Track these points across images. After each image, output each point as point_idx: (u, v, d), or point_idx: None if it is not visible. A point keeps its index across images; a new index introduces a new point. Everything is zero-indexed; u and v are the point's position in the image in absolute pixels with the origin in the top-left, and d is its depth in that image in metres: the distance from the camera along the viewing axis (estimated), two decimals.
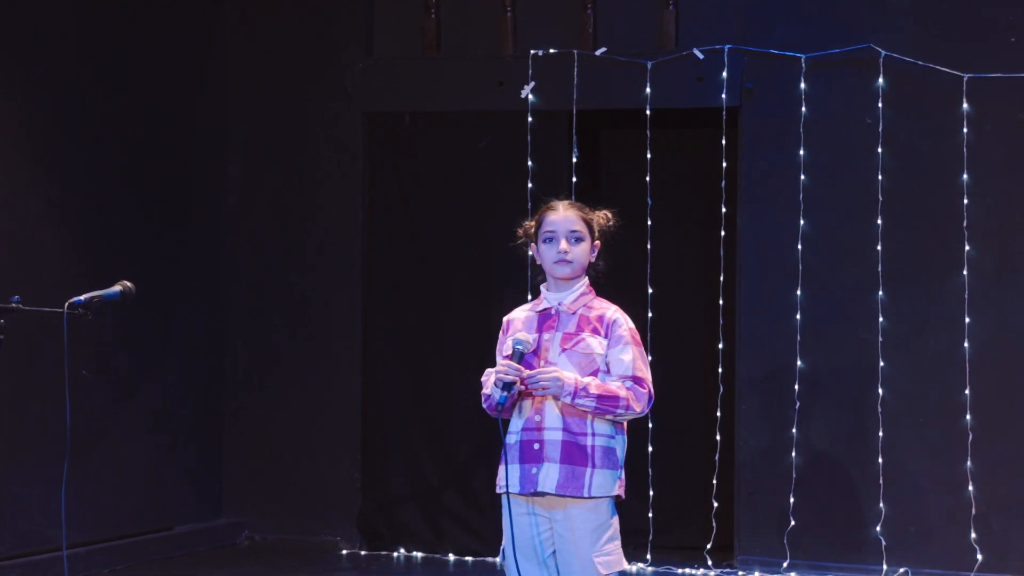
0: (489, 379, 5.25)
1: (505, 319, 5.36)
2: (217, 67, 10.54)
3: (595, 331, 5.19)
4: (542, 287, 5.36)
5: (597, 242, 5.33)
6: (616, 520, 5.23)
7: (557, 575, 5.20)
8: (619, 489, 5.20)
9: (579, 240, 5.26)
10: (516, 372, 5.08)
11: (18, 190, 8.86)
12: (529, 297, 9.78)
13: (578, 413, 5.12)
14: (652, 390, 5.20)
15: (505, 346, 5.28)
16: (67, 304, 5.39)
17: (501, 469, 5.21)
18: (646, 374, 5.19)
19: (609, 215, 5.41)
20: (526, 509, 5.20)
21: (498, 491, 5.26)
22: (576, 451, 5.11)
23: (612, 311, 5.25)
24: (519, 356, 5.12)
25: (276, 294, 10.56)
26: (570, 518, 5.14)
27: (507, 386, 5.08)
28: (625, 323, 5.22)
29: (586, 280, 5.33)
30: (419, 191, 10.28)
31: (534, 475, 5.13)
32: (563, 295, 5.28)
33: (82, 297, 5.43)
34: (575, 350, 5.16)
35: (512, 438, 5.20)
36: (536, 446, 5.14)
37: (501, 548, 5.31)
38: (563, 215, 5.29)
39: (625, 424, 5.25)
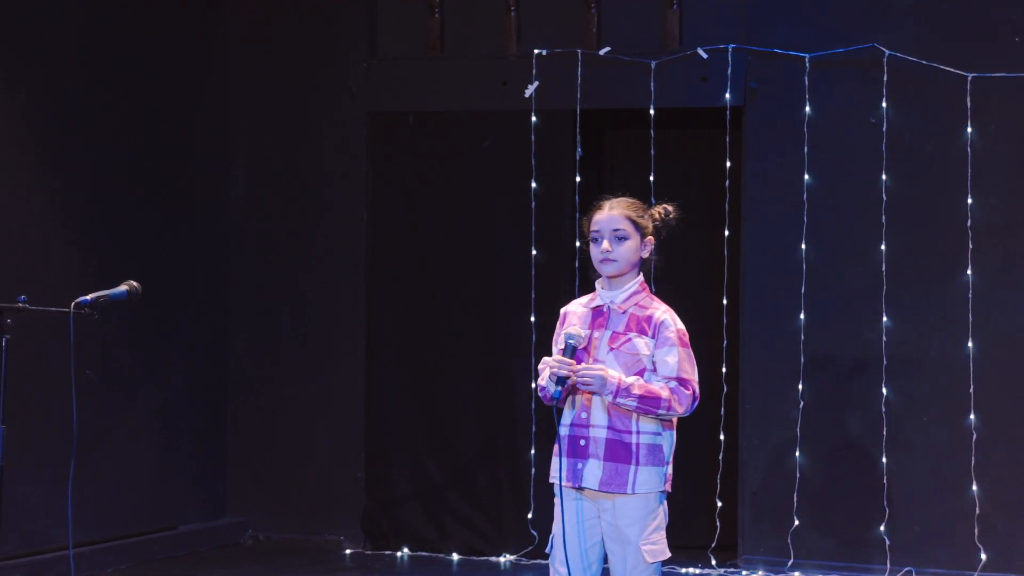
0: (544, 370, 5.29)
1: (562, 311, 5.45)
2: (221, 67, 10.54)
3: (643, 331, 5.26)
4: (597, 283, 5.42)
5: (649, 239, 5.38)
6: (665, 512, 5.34)
7: (597, 563, 5.31)
8: (666, 484, 5.29)
9: (623, 239, 5.30)
10: (568, 367, 5.13)
11: (23, 190, 8.86)
12: (533, 296, 9.81)
13: (624, 411, 5.16)
14: (697, 391, 5.27)
15: (559, 339, 5.32)
16: (73, 304, 5.40)
17: (554, 460, 5.30)
18: (691, 375, 5.26)
19: (669, 209, 5.47)
20: (574, 495, 5.30)
21: (551, 480, 5.34)
22: (620, 449, 5.19)
23: (661, 312, 5.32)
24: (571, 350, 5.20)
25: (280, 294, 10.57)
26: (618, 507, 5.23)
27: (560, 380, 5.14)
28: (673, 325, 5.29)
29: (639, 279, 5.40)
30: (423, 191, 10.29)
31: (579, 470, 5.23)
32: (615, 293, 5.35)
33: (88, 297, 5.44)
34: (622, 350, 5.23)
35: (562, 431, 5.29)
36: (582, 442, 5.23)
37: (550, 537, 5.37)
38: (607, 215, 5.35)
39: (674, 420, 5.32)
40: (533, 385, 5.49)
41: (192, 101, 10.30)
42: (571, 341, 5.19)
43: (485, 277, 10.13)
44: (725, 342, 9.66)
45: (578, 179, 9.73)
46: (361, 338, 10.38)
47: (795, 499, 9.45)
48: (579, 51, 9.82)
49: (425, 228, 10.28)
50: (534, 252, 9.87)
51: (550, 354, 5.35)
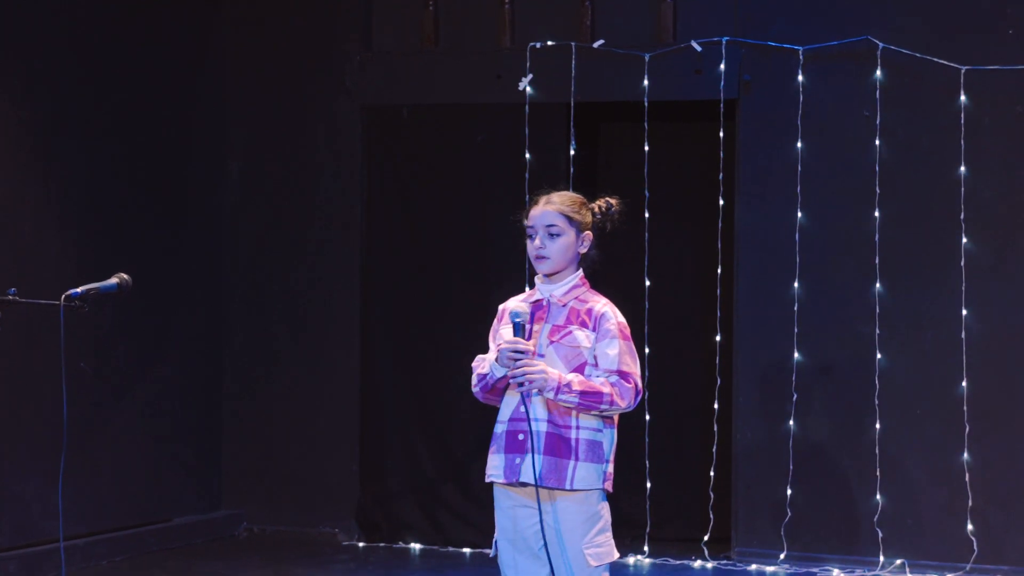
0: (481, 364, 5.24)
1: (500, 307, 5.34)
2: (216, 61, 10.55)
3: (583, 324, 5.15)
4: (536, 278, 5.33)
5: (587, 233, 5.24)
6: (607, 512, 5.20)
7: (550, 566, 5.18)
8: (605, 483, 5.17)
9: (556, 235, 5.18)
10: (523, 346, 5.03)
11: (16, 184, 8.87)
12: (527, 288, 9.81)
13: (564, 408, 5.12)
14: (639, 384, 5.14)
15: (498, 334, 5.26)
16: (63, 296, 5.40)
17: (491, 458, 5.21)
18: (633, 368, 5.14)
19: (611, 202, 5.32)
20: (518, 502, 5.18)
21: (487, 479, 5.26)
22: (560, 443, 5.09)
23: (601, 304, 5.20)
24: (520, 328, 5.08)
25: (275, 287, 10.57)
26: (558, 510, 5.11)
27: (514, 361, 5.04)
28: (614, 317, 5.17)
29: (579, 273, 5.27)
30: (417, 184, 10.29)
31: (517, 465, 5.11)
32: (554, 287, 5.24)
33: (79, 289, 5.43)
34: (562, 343, 5.13)
35: (499, 428, 5.20)
36: (520, 436, 5.12)
37: (494, 540, 5.31)
38: (541, 210, 5.24)
39: (616, 418, 5.22)
40: (475, 385, 5.37)
41: (186, 95, 10.30)
42: (517, 319, 5.06)
43: (479, 270, 10.14)
44: (719, 335, 9.66)
45: (572, 172, 9.74)
46: (356, 332, 10.39)
47: (788, 492, 9.46)
48: (573, 44, 9.83)
49: (419, 221, 10.28)
50: (528, 245, 9.85)
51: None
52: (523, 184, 9.82)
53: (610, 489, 5.20)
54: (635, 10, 9.87)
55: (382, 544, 10.19)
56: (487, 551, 9.79)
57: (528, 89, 9.88)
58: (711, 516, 9.70)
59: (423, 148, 10.28)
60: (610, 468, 5.19)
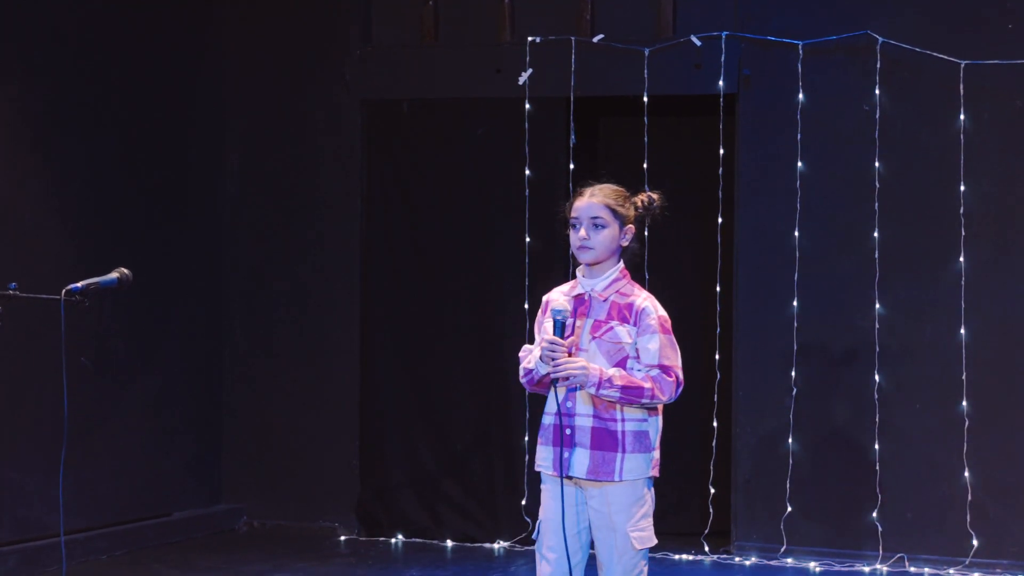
0: (528, 357, 5.29)
1: (544, 298, 5.41)
2: (216, 55, 10.54)
3: (624, 319, 5.22)
4: (578, 271, 5.38)
5: (629, 226, 5.30)
6: (652, 498, 5.33)
7: (583, 550, 5.29)
8: (653, 470, 5.29)
9: (601, 227, 5.25)
10: (560, 348, 5.10)
11: (16, 177, 8.87)
12: (527, 284, 9.82)
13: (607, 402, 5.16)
14: (680, 376, 5.23)
15: (544, 324, 5.30)
16: (64, 291, 5.40)
17: (540, 449, 5.30)
18: (674, 362, 5.23)
19: (653, 197, 5.40)
20: (563, 482, 5.26)
21: (536, 469, 5.34)
22: (606, 437, 5.18)
23: (642, 299, 5.27)
24: (559, 326, 5.14)
25: (275, 281, 10.58)
26: (606, 494, 5.22)
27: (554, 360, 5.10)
28: (655, 311, 5.24)
29: (620, 266, 5.34)
30: (417, 178, 10.29)
31: (566, 459, 5.21)
32: (595, 281, 5.30)
33: (79, 284, 5.44)
34: (604, 339, 5.20)
35: (546, 420, 5.27)
36: (568, 431, 5.21)
37: (537, 523, 5.36)
38: (586, 202, 5.30)
39: (660, 406, 5.30)
40: (522, 377, 5.42)
41: (186, 88, 10.30)
42: (558, 317, 5.13)
43: (479, 264, 10.14)
44: (718, 329, 9.67)
45: (572, 166, 9.74)
46: (356, 326, 10.39)
47: (788, 486, 9.47)
48: (573, 38, 9.83)
49: (419, 215, 10.28)
50: (528, 239, 9.88)
51: (534, 343, 5.35)
52: (523, 177, 9.82)
53: (657, 474, 5.32)
54: (635, 4, 9.87)
55: (382, 538, 10.20)
56: (487, 545, 9.85)
57: (528, 83, 9.87)
58: (711, 510, 9.71)
59: (423, 142, 10.28)
60: (656, 455, 5.32)
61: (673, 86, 9.75)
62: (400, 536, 10.18)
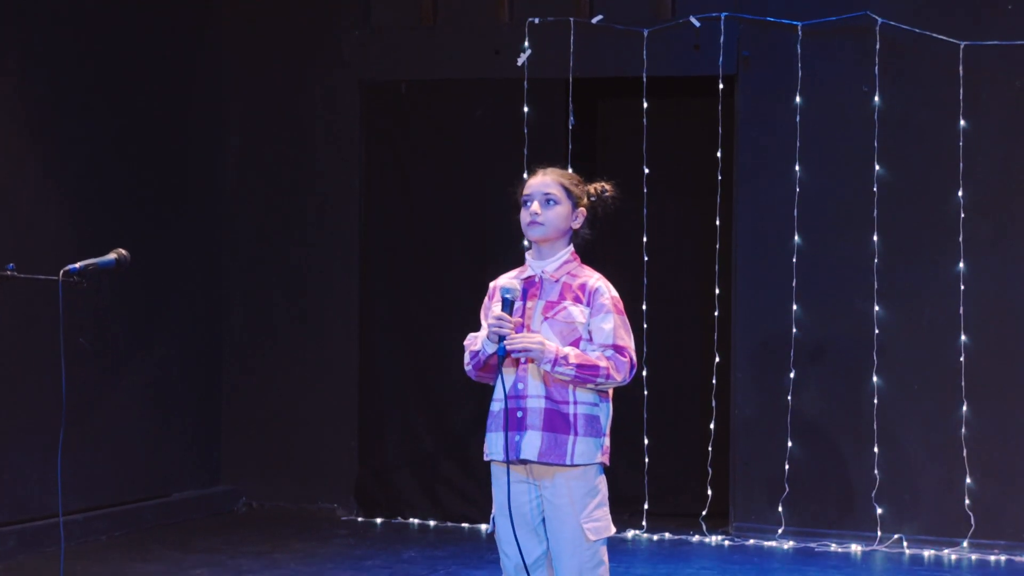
0: (474, 342, 5.26)
1: (491, 285, 5.34)
2: (214, 38, 10.54)
3: (577, 299, 5.16)
4: (527, 254, 5.33)
5: (581, 209, 5.25)
6: (604, 486, 5.22)
7: (547, 543, 5.20)
8: (603, 456, 5.18)
9: (553, 203, 5.20)
10: (508, 323, 5.05)
11: (15, 159, 8.86)
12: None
13: (561, 381, 5.12)
14: (634, 358, 5.15)
15: (493, 301, 5.27)
16: (62, 272, 5.40)
17: (489, 437, 5.22)
18: (628, 343, 5.15)
19: (606, 187, 5.34)
20: (516, 477, 5.19)
21: (485, 459, 5.27)
22: (558, 419, 5.10)
23: (595, 279, 5.21)
24: (508, 304, 5.09)
25: (274, 263, 10.58)
26: (557, 485, 5.13)
27: (502, 338, 5.06)
28: (607, 291, 5.18)
29: (570, 248, 5.28)
30: (415, 159, 10.29)
31: (517, 443, 5.13)
32: (545, 263, 5.24)
33: (77, 265, 5.43)
34: (557, 319, 5.14)
35: (496, 406, 5.20)
36: (519, 414, 5.13)
37: (491, 516, 5.31)
38: (540, 179, 5.27)
39: (610, 392, 5.23)
40: (467, 363, 5.38)
41: (185, 71, 10.30)
42: (507, 295, 5.08)
43: (477, 245, 10.14)
44: (717, 311, 9.67)
45: (570, 147, 9.73)
46: (354, 308, 10.40)
47: (786, 467, 9.48)
48: (571, 19, 9.82)
49: (418, 196, 10.29)
50: (522, 213, 9.85)
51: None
52: (521, 159, 9.82)
53: (607, 462, 5.21)
54: None
55: (381, 519, 10.22)
56: (485, 526, 9.85)
57: (526, 65, 9.87)
58: (709, 492, 9.73)
59: (421, 124, 10.28)
60: (607, 442, 5.21)
61: (672, 67, 9.74)
62: (399, 517, 10.20)
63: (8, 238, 8.69)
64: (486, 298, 5.31)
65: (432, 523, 10.08)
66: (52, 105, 9.13)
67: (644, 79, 9.67)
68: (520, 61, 9.88)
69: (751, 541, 9.46)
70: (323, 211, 10.48)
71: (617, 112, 10.53)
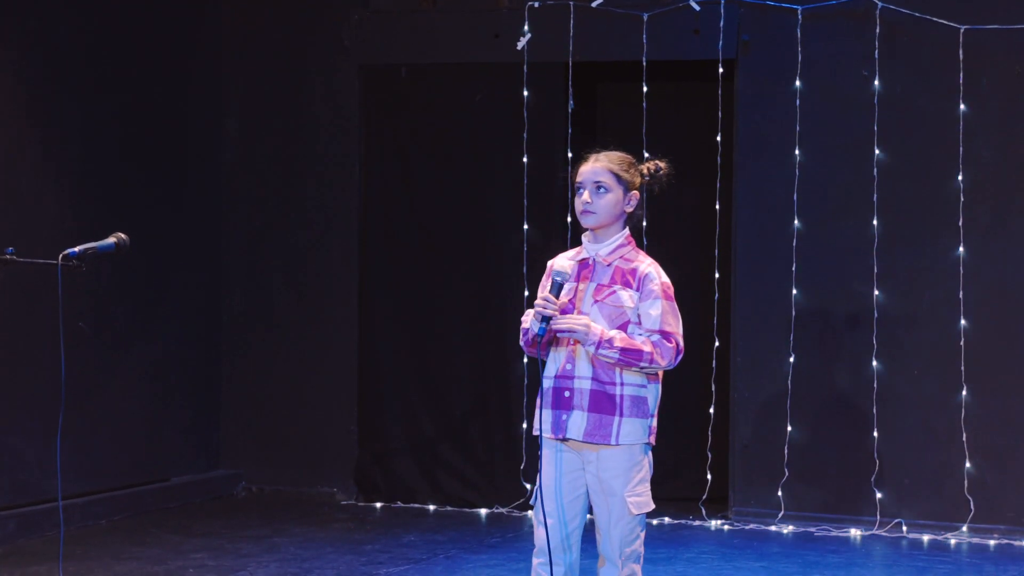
0: (527, 322, 5.30)
1: (549, 263, 5.40)
2: (213, 20, 10.52)
3: (627, 284, 5.24)
4: (583, 236, 5.38)
5: (634, 193, 5.30)
6: (649, 463, 5.33)
7: (580, 516, 5.30)
8: (649, 437, 5.30)
9: (604, 191, 5.25)
10: (553, 305, 5.13)
11: (13, 142, 8.85)
12: (526, 250, 9.82)
13: (606, 363, 5.17)
14: (681, 343, 5.24)
15: (547, 280, 5.32)
16: (61, 256, 5.40)
17: (537, 412, 5.29)
18: (675, 328, 5.23)
19: (660, 165, 5.39)
20: (558, 447, 5.29)
21: (535, 433, 5.34)
22: (605, 400, 5.19)
23: (646, 265, 5.28)
24: (557, 288, 5.18)
25: (273, 247, 10.57)
26: (603, 459, 5.23)
27: (545, 319, 5.12)
28: (658, 277, 5.25)
29: (625, 232, 5.34)
30: (415, 143, 10.28)
31: (564, 422, 5.22)
32: (599, 246, 5.31)
33: (76, 249, 5.44)
34: (606, 302, 5.21)
35: (546, 383, 5.27)
36: (567, 393, 5.22)
37: (534, 488, 5.36)
38: (591, 167, 5.31)
39: (660, 373, 5.31)
40: (521, 338, 5.43)
41: (184, 54, 10.28)
42: (558, 278, 5.16)
43: (477, 230, 10.14)
44: (716, 295, 9.67)
45: (570, 132, 9.72)
46: (354, 291, 10.39)
47: (786, 452, 9.48)
48: (571, 3, 9.80)
49: (418, 181, 10.28)
50: (526, 204, 9.87)
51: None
52: (521, 143, 9.81)
53: (653, 442, 5.32)
54: None
55: (380, 503, 10.22)
56: (485, 510, 9.86)
57: (526, 49, 9.85)
58: (709, 476, 9.73)
59: (421, 108, 10.27)
60: (654, 422, 5.32)
61: (672, 51, 9.73)
62: (398, 501, 10.20)
63: (7, 222, 8.68)
64: (544, 276, 5.36)
65: (432, 507, 10.09)
66: (51, 89, 9.12)
67: (644, 63, 9.66)
68: (520, 45, 9.87)
69: (751, 525, 9.47)
70: (323, 195, 10.47)
71: (617, 96, 10.52)
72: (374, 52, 10.31)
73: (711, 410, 9.65)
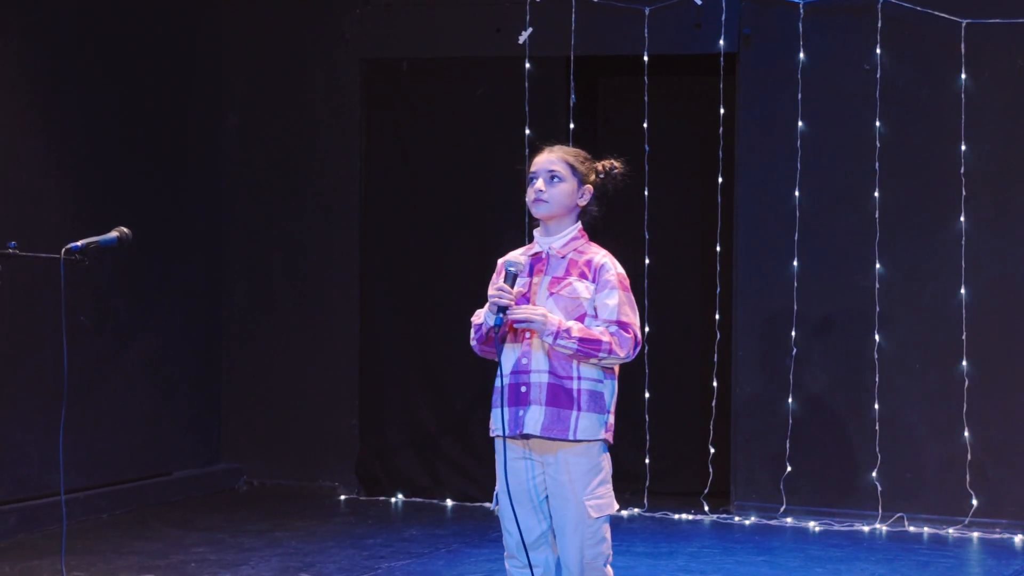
0: (478, 317, 5.26)
1: (499, 262, 5.34)
2: (214, 13, 10.51)
3: (583, 275, 5.17)
4: (535, 232, 5.34)
5: (588, 187, 5.26)
6: (608, 464, 5.22)
7: (549, 520, 5.21)
8: (606, 434, 5.19)
9: (558, 180, 5.21)
10: (508, 295, 5.08)
11: (15, 136, 8.85)
12: (526, 242, 9.80)
13: (565, 356, 5.13)
14: (639, 335, 5.16)
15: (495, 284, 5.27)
16: (63, 250, 5.40)
17: (494, 412, 5.22)
18: (632, 319, 5.16)
19: (615, 164, 5.35)
20: (520, 454, 5.20)
21: (491, 434, 5.27)
22: (562, 394, 5.12)
23: (600, 256, 5.22)
24: (511, 277, 5.12)
25: (274, 241, 10.57)
26: (560, 462, 5.14)
27: (501, 309, 5.08)
28: (613, 268, 5.19)
29: (578, 225, 5.29)
30: (417, 138, 10.28)
31: (520, 417, 5.14)
32: (553, 239, 5.26)
33: (79, 243, 5.43)
34: (562, 294, 5.15)
35: (500, 381, 5.19)
36: (523, 388, 5.15)
37: (494, 493, 5.32)
38: (545, 157, 5.28)
39: (616, 369, 5.24)
40: (472, 336, 5.38)
41: (185, 47, 10.27)
42: (511, 268, 5.11)
43: (479, 223, 10.14)
44: (719, 289, 9.67)
45: (572, 126, 9.72)
46: (355, 285, 10.39)
47: (787, 446, 9.48)
48: None
49: (419, 174, 10.27)
50: (528, 190, 9.85)
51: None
52: (522, 138, 9.81)
53: (611, 440, 5.22)
54: None
55: (382, 497, 10.22)
56: (487, 504, 9.85)
57: (528, 43, 9.85)
58: (710, 470, 9.73)
59: (422, 102, 10.26)
60: (611, 419, 5.22)
61: (673, 45, 9.72)
62: (400, 495, 10.20)
63: (9, 215, 8.68)
64: (494, 275, 5.30)
65: (433, 501, 10.09)
66: (52, 83, 9.11)
67: (645, 57, 9.65)
68: (521, 39, 9.86)
69: (752, 519, 9.47)
70: (324, 189, 10.46)
71: (618, 90, 10.52)
72: (375, 46, 10.30)
73: (712, 404, 9.65)
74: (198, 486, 10.29)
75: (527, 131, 9.82)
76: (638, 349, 5.16)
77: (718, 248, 9.68)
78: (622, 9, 9.72)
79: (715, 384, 9.66)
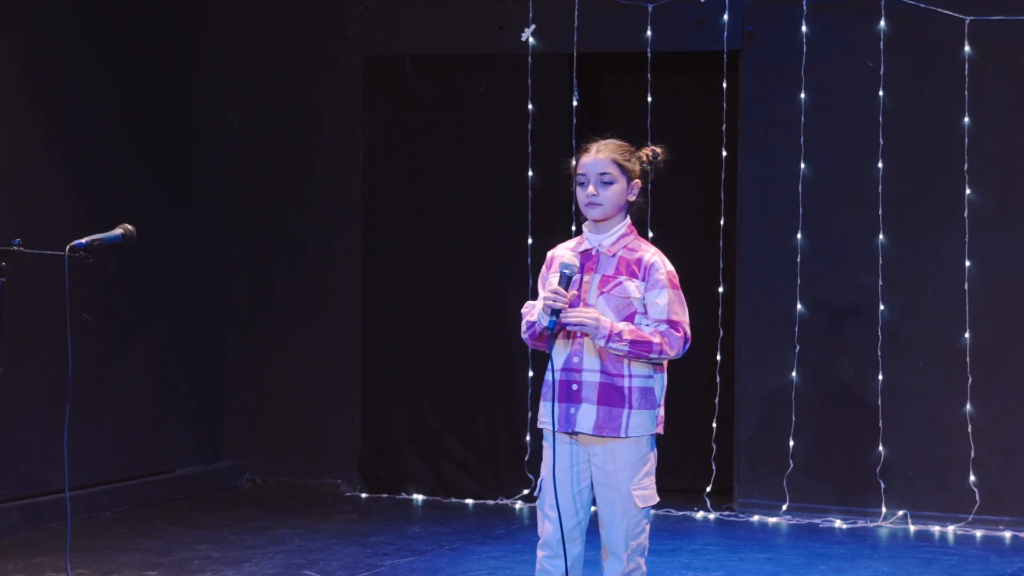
0: (531, 311, 5.28)
1: (549, 254, 5.39)
2: (217, 10, 10.51)
3: (633, 274, 5.22)
4: (584, 227, 5.36)
5: (636, 181, 5.29)
6: (654, 456, 5.33)
7: (585, 508, 5.29)
8: (658, 427, 5.29)
9: (609, 183, 5.23)
10: (563, 298, 5.10)
11: (19, 133, 8.85)
12: (530, 241, 9.81)
13: (616, 356, 5.16)
14: (688, 332, 5.22)
15: (548, 280, 5.28)
16: (68, 247, 5.40)
17: (543, 405, 5.27)
18: (682, 317, 5.23)
19: (657, 151, 5.38)
20: (565, 440, 5.27)
21: (540, 426, 5.33)
22: (613, 392, 5.18)
23: (650, 254, 5.27)
24: (566, 280, 5.14)
25: (277, 238, 10.57)
26: (609, 451, 5.22)
27: (555, 312, 5.11)
28: (663, 266, 5.24)
29: (627, 221, 5.33)
30: (419, 135, 10.27)
31: (572, 415, 5.21)
32: (602, 236, 5.29)
33: (83, 240, 5.44)
34: (612, 293, 5.20)
35: (552, 376, 5.24)
36: (574, 387, 5.21)
37: (539, 480, 5.35)
38: (593, 158, 5.28)
39: (665, 363, 5.30)
40: (524, 331, 5.40)
41: (188, 44, 10.27)
42: (566, 271, 5.13)
43: (481, 220, 10.13)
44: (721, 286, 9.66)
45: (574, 123, 9.72)
46: (358, 282, 10.39)
47: (790, 443, 9.48)
48: None
49: (421, 172, 10.27)
50: (530, 196, 9.86)
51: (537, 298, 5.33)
52: (525, 135, 9.81)
53: (661, 432, 5.32)
54: None
55: (384, 495, 10.22)
56: (490, 502, 9.86)
57: (531, 40, 9.84)
58: (713, 467, 9.72)
59: (425, 99, 10.26)
60: (661, 412, 5.31)
61: (676, 43, 9.71)
62: (403, 492, 10.20)
63: (14, 213, 8.68)
64: (543, 267, 5.37)
65: (437, 498, 10.09)
66: (55, 80, 9.11)
67: (648, 54, 9.64)
68: (524, 36, 9.85)
69: (755, 517, 9.46)
70: (326, 187, 10.46)
71: (621, 87, 10.51)
72: (378, 43, 10.30)
73: (716, 401, 9.65)
74: (201, 483, 10.29)
75: (530, 128, 9.81)
76: (688, 346, 5.24)
77: (721, 244, 9.67)
78: (625, 6, 9.71)
79: (718, 381, 9.65)
